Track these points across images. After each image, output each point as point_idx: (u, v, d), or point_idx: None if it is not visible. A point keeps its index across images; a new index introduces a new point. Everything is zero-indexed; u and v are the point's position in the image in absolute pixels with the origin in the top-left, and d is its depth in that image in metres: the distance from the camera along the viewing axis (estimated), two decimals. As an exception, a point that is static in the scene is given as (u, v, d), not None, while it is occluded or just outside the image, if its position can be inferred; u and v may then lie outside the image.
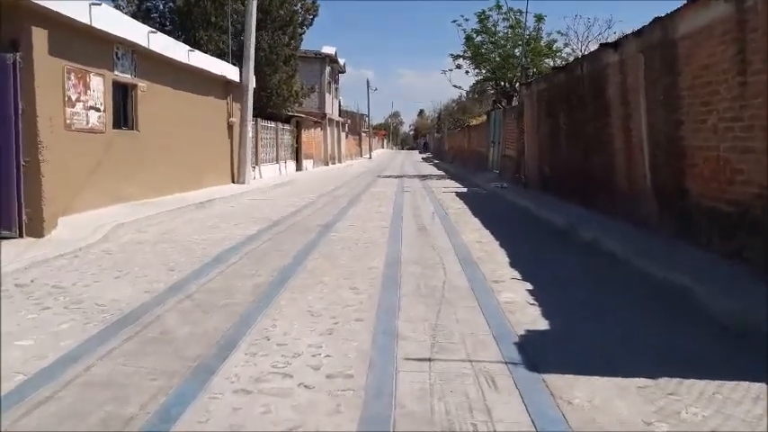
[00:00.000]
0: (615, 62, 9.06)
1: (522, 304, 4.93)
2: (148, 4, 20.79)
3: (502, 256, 7.05)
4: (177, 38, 19.26)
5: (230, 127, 16.13)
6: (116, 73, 9.86)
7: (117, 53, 9.85)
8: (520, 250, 7.42)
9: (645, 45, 7.85)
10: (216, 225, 9.32)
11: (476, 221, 10.17)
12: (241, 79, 16.09)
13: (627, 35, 8.49)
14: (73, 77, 8.56)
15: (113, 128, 9.88)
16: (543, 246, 7.88)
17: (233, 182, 16.33)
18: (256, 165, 19.37)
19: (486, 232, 8.90)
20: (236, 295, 5.15)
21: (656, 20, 7.44)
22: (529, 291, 5.42)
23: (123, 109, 10.47)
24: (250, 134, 16.61)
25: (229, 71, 15.44)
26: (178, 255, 6.92)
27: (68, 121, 8.52)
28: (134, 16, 20.54)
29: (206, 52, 17.14)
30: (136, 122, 10.77)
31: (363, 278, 5.85)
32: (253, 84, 16.53)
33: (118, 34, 9.39)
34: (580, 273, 6.22)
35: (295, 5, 22.00)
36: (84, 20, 8.38)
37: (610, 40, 19.30)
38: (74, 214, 8.51)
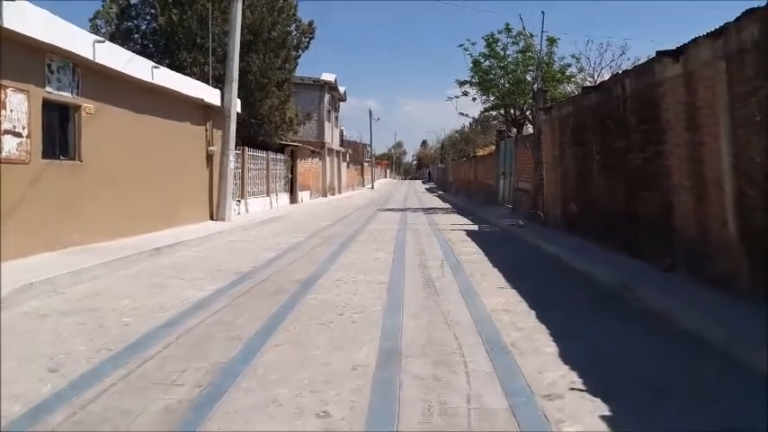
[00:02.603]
0: (676, 75, 7.09)
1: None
2: (129, 24, 19.12)
3: (544, 339, 4.96)
4: (159, 61, 17.59)
5: (210, 157, 14.20)
6: (49, 90, 7.94)
7: (50, 65, 7.94)
8: (566, 327, 5.34)
9: (729, 49, 5.87)
10: (164, 282, 7.25)
11: (496, 274, 8.10)
12: (223, 103, 14.21)
13: (695, 39, 6.53)
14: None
15: (43, 158, 7.91)
16: (597, 318, 5.77)
17: (212, 218, 14.33)
18: (242, 198, 17.40)
19: (513, 293, 6.82)
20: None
21: (749, 12, 5.47)
22: (607, 419, 3.34)
23: (62, 135, 8.52)
24: (232, 165, 14.67)
25: (208, 94, 13.57)
26: (81, 338, 4.84)
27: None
28: (113, 37, 18.89)
29: (190, 75, 15.39)
30: (78, 151, 8.81)
31: (341, 391, 3.75)
32: (236, 108, 14.66)
33: (47, 41, 7.47)
34: (673, 377, 4.11)
35: (289, 26, 20.33)
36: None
37: (625, 68, 17.51)
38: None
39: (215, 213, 14.33)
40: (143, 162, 10.79)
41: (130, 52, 10.51)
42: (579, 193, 11.41)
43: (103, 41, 8.64)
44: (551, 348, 4.72)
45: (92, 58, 8.48)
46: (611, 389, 3.84)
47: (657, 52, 7.29)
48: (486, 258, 9.58)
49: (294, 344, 4.74)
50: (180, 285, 7.04)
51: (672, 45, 7.12)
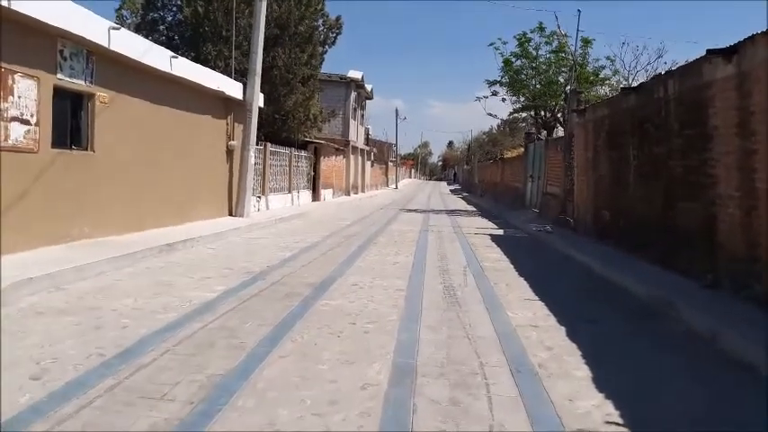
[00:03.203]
0: (728, 77, 6.51)
1: None
2: (154, 15, 18.99)
3: (576, 361, 4.48)
4: (184, 53, 17.40)
5: (230, 151, 13.92)
6: (60, 77, 7.66)
7: (63, 52, 7.67)
8: (600, 348, 4.86)
9: (791, 46, 5.31)
10: (171, 281, 6.92)
11: (522, 284, 7.60)
12: (245, 97, 13.91)
13: (751, 36, 5.96)
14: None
15: (54, 147, 7.65)
16: (634, 339, 5.25)
17: (230, 214, 14.04)
18: (262, 195, 17.11)
19: (541, 306, 6.32)
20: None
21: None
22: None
23: (74, 124, 8.26)
24: (252, 160, 14.37)
25: (229, 86, 13.27)
26: (74, 340, 4.50)
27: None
28: (138, 28, 18.82)
29: (214, 69, 15.12)
30: (91, 141, 8.55)
31: (347, 415, 3.34)
32: (258, 102, 14.35)
33: (59, 26, 7.18)
34: (722, 416, 3.60)
35: (316, 21, 19.98)
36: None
37: (660, 71, 16.76)
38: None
39: (234, 209, 14.05)
40: (159, 154, 10.52)
41: (148, 41, 10.24)
42: (613, 199, 10.82)
43: (119, 28, 8.32)
44: (583, 372, 4.24)
45: (106, 46, 8.20)
46: (653, 425, 3.37)
47: (708, 51, 6.71)
48: (511, 266, 9.07)
49: (300, 356, 4.33)
50: (187, 285, 6.70)
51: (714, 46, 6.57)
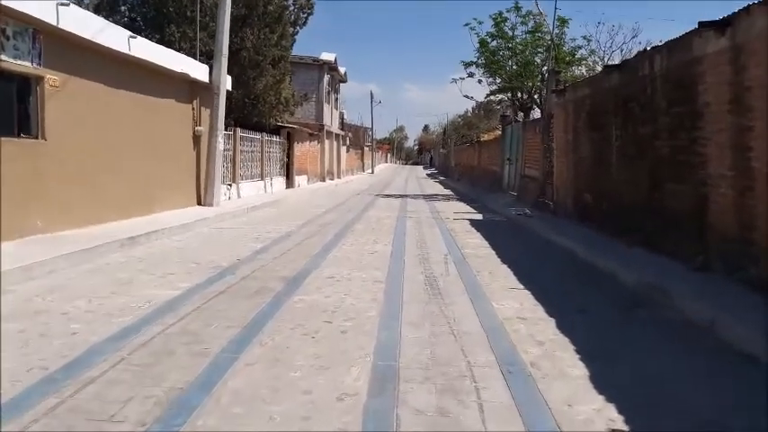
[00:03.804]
0: (721, 50, 6.19)
1: None
2: (115, -5, 18.04)
3: (570, 357, 4.15)
4: (148, 36, 16.57)
5: (197, 137, 13.28)
6: (3, 57, 7.00)
7: (5, 30, 7.00)
8: (593, 341, 4.54)
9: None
10: (131, 278, 6.40)
11: (506, 271, 7.27)
12: (211, 79, 13.27)
13: (746, 7, 5.62)
14: None
15: (-4, 135, 7.02)
16: (628, 330, 4.93)
17: (199, 204, 13.45)
18: (233, 182, 16.50)
19: (527, 295, 5.99)
20: None
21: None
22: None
23: (21, 109, 7.61)
24: (221, 146, 13.76)
25: (194, 68, 12.61)
26: (14, 351, 3.98)
27: None
28: (97, 9, 17.86)
29: (179, 51, 14.39)
30: (42, 128, 7.90)
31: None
32: (226, 85, 13.71)
33: (-1, 1, 6.53)
34: (733, 412, 3.29)
35: (286, 0, 19.26)
36: None
37: (635, 51, 16.51)
38: None
39: (203, 198, 13.46)
40: (119, 141, 9.89)
41: (103, 19, 9.55)
42: (595, 182, 10.54)
43: (68, 4, 7.65)
44: (580, 371, 3.90)
45: (55, 24, 7.53)
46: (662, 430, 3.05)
47: (700, 23, 6.37)
48: (493, 252, 8.74)
49: (270, 362, 3.90)
50: (148, 282, 6.20)
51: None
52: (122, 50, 9.39)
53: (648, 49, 8.01)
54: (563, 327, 4.86)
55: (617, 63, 10.53)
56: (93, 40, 8.53)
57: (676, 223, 7.34)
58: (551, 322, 5.01)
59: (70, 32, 7.96)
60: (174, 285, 6.06)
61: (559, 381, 3.71)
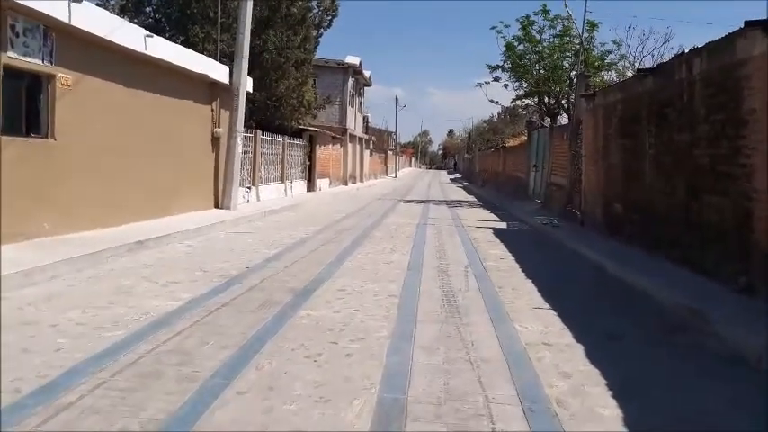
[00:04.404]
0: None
1: None
2: (140, -5, 18.00)
3: (601, 393, 3.70)
4: (172, 36, 16.46)
5: (216, 139, 13.05)
6: (11, 55, 6.79)
7: (14, 27, 6.79)
8: (628, 374, 4.08)
9: None
10: (132, 286, 6.09)
11: (530, 288, 6.79)
12: (231, 81, 13.03)
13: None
14: None
15: (5, 134, 6.80)
16: (667, 362, 4.43)
17: (217, 206, 13.21)
18: (252, 185, 16.26)
19: (553, 316, 5.52)
20: None
21: None
22: None
23: (31, 108, 7.40)
24: (240, 148, 13.51)
25: (214, 69, 12.39)
26: (-11, 370, 3.70)
27: None
28: (122, 10, 17.86)
29: (202, 52, 14.22)
30: (51, 128, 7.69)
31: (312, 488, 2.54)
32: (246, 87, 13.47)
33: (7, -5, 6.31)
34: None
35: (310, 2, 19.03)
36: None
37: (667, 57, 15.81)
38: None
39: (220, 201, 13.22)
40: (134, 142, 9.67)
41: (118, 17, 9.35)
42: (626, 191, 9.98)
43: (80, 1, 7.44)
44: (612, 410, 3.45)
45: (67, 21, 7.31)
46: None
47: (746, 23, 5.84)
48: (517, 266, 8.26)
49: (264, 391, 3.52)
50: (149, 291, 5.89)
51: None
52: (138, 49, 9.17)
53: (686, 51, 7.47)
54: (593, 355, 4.39)
55: (651, 67, 9.96)
56: (108, 38, 8.31)
57: (716, 239, 6.78)
58: (579, 349, 4.55)
59: (83, 30, 7.75)
60: (175, 295, 5.74)
61: (589, 423, 3.26)
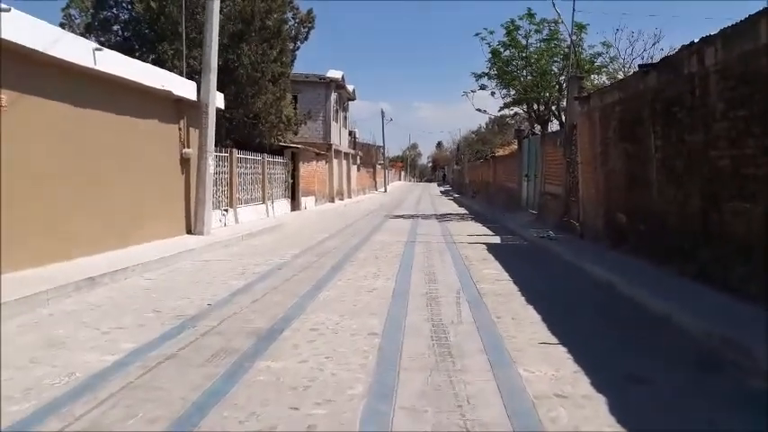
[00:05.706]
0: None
1: None
2: (107, 13, 17.18)
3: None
4: (142, 55, 15.62)
5: (185, 160, 12.15)
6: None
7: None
8: (659, 428, 3.18)
9: None
10: (68, 336, 5.14)
11: (533, 317, 5.91)
12: (199, 97, 12.17)
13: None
14: None
15: None
16: (704, 410, 3.55)
17: (189, 232, 12.28)
18: (230, 207, 15.34)
19: (563, 352, 4.65)
20: None
21: None
22: None
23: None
24: (212, 169, 12.61)
25: (179, 85, 11.51)
26: None
27: None
28: (88, 28, 17.03)
29: (172, 69, 13.39)
30: (-18, 153, 6.77)
31: None
32: (217, 103, 12.60)
33: None
34: None
35: (285, 14, 18.25)
36: None
37: (657, 58, 15.10)
38: None
39: (192, 226, 12.29)
40: (86, 167, 8.75)
41: (58, 29, 8.45)
42: (630, 200, 9.15)
43: (9, 10, 6.54)
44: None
45: (-7, 32, 6.44)
46: None
47: (765, 8, 5.04)
48: (515, 288, 7.38)
49: (191, 494, 2.60)
50: (86, 343, 4.94)
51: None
52: (86, 65, 8.28)
53: (695, 41, 6.69)
54: (619, 411, 3.52)
55: (654, 62, 9.18)
56: (47, 53, 7.43)
57: (741, 252, 5.95)
58: (601, 402, 3.66)
59: (15, 43, 6.86)
60: (115, 347, 4.80)
61: None
